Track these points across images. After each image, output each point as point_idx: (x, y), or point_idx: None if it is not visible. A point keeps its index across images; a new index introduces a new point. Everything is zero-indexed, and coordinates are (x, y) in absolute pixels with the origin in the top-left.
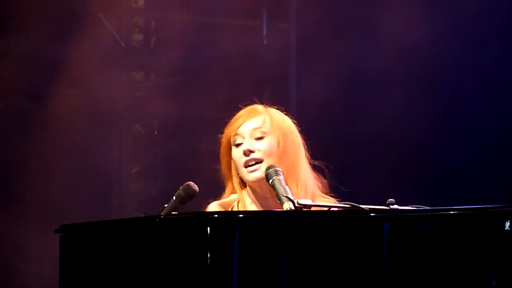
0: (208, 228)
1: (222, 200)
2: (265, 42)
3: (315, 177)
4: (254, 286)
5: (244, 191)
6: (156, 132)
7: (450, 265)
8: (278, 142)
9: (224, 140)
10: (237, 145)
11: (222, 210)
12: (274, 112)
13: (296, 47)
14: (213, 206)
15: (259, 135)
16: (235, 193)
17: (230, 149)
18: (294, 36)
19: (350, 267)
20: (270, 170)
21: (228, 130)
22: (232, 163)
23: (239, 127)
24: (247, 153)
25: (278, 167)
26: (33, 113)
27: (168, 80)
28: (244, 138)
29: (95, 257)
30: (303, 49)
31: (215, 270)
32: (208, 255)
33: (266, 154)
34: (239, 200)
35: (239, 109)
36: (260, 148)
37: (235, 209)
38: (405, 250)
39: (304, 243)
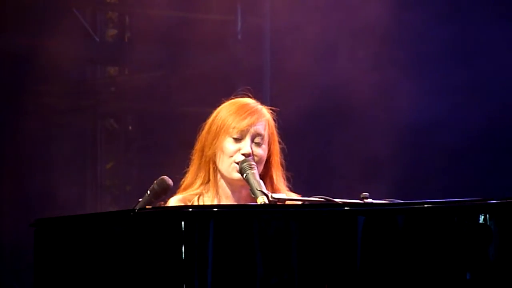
0: (182, 222)
1: (183, 195)
2: (239, 37)
3: (283, 176)
4: (229, 280)
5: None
6: (130, 127)
7: (424, 259)
8: (268, 150)
9: (220, 125)
10: (236, 139)
11: (183, 204)
12: (270, 117)
13: (270, 42)
14: (174, 201)
15: (258, 141)
16: (204, 181)
17: (223, 136)
18: (268, 31)
19: (324, 261)
20: (244, 164)
21: (231, 121)
22: (217, 151)
23: (246, 125)
24: (247, 155)
25: (252, 161)
26: (7, 107)
27: (143, 75)
28: (244, 137)
29: (70, 251)
30: (277, 44)
31: (190, 264)
32: (183, 249)
33: (260, 161)
34: (200, 194)
35: (232, 98)
36: (257, 154)
37: (196, 204)
38: (379, 244)
39: (278, 237)
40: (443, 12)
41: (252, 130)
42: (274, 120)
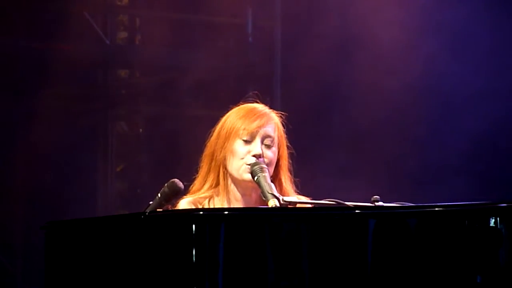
0: (193, 225)
1: (193, 197)
2: (250, 40)
3: (291, 181)
4: (239, 283)
5: (221, 186)
6: (141, 130)
7: (435, 262)
8: (278, 153)
9: (229, 128)
10: (246, 141)
11: (193, 207)
12: (279, 121)
13: (281, 45)
14: (184, 203)
15: (269, 143)
16: (212, 185)
17: (233, 139)
18: (279, 34)
19: (335, 264)
20: (256, 167)
21: (241, 123)
22: (228, 154)
23: (256, 127)
24: (257, 157)
25: (263, 164)
26: (18, 112)
27: (153, 78)
28: (254, 139)
29: (81, 254)
30: (288, 47)
31: (200, 267)
32: (193, 252)
33: (270, 163)
34: (210, 197)
35: (241, 104)
36: (267, 156)
37: (206, 207)
38: (390, 247)
39: (289, 240)
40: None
41: (262, 132)
42: (282, 124)
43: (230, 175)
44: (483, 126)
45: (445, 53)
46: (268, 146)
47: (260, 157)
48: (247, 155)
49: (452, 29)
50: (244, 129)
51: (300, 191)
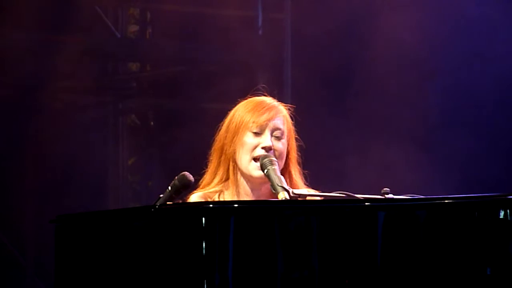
0: (203, 219)
1: (204, 191)
2: (260, 32)
3: (300, 173)
4: (249, 276)
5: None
6: (152, 123)
7: (445, 254)
8: (287, 145)
9: (239, 122)
10: (256, 134)
11: (203, 200)
12: (287, 114)
13: (291, 37)
14: (195, 197)
15: (278, 135)
16: (222, 179)
17: (243, 132)
18: (289, 26)
19: (345, 256)
20: (265, 160)
21: (250, 116)
22: (237, 148)
23: (265, 120)
24: (267, 149)
25: (273, 157)
26: (28, 105)
27: (164, 71)
28: (264, 132)
29: (91, 247)
30: (298, 39)
31: (210, 260)
32: (203, 245)
33: (280, 155)
34: (220, 192)
35: (248, 97)
36: (277, 148)
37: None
38: (400, 239)
39: (299, 233)
40: None
41: (271, 125)
42: (291, 117)
43: (239, 168)
44: None
45: None
46: (278, 138)
47: (270, 150)
48: (256, 147)
49: None
50: (253, 122)
51: (309, 183)
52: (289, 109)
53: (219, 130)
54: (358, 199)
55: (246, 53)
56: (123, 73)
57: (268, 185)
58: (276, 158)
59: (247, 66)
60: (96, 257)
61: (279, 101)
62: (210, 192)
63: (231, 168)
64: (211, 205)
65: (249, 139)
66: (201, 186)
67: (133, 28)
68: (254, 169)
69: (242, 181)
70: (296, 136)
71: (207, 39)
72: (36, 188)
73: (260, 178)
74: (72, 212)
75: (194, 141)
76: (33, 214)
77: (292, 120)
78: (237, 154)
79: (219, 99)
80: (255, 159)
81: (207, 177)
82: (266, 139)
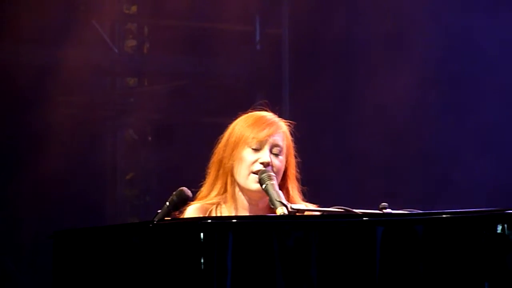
0: (202, 234)
1: (201, 202)
2: (258, 47)
3: (298, 189)
4: None
5: (229, 193)
6: (149, 138)
7: (443, 269)
8: (286, 161)
9: (238, 136)
10: (255, 150)
11: (201, 213)
12: (287, 130)
13: (288, 52)
14: (192, 209)
15: (277, 152)
16: (220, 192)
17: (242, 147)
18: (287, 41)
19: (343, 271)
20: (264, 175)
21: (250, 132)
22: (236, 162)
23: (265, 136)
24: (265, 164)
25: (271, 172)
26: (26, 120)
27: (162, 86)
28: (263, 148)
29: (89, 263)
30: (296, 54)
31: (209, 276)
32: (202, 261)
33: (278, 171)
34: (218, 204)
35: (249, 111)
36: (275, 165)
37: (213, 213)
38: (398, 254)
39: (298, 248)
40: None
41: (270, 141)
42: (290, 133)
43: (237, 183)
44: None
45: None
46: (276, 155)
47: (268, 165)
48: (255, 163)
49: None
50: (253, 137)
51: (308, 199)
52: (289, 125)
53: (218, 143)
54: (357, 214)
55: (244, 68)
56: (121, 88)
57: (266, 200)
58: (275, 175)
59: (245, 81)
60: (94, 273)
61: (279, 116)
62: (208, 203)
63: (229, 181)
64: (209, 221)
65: (248, 155)
66: (198, 198)
67: (131, 43)
68: (252, 182)
69: (240, 195)
70: (295, 153)
71: (205, 54)
72: (34, 204)
73: (258, 191)
74: (69, 228)
75: (192, 156)
76: (31, 228)
77: (292, 136)
78: (235, 168)
79: (217, 114)
80: (254, 173)
81: (204, 189)
82: (265, 155)
